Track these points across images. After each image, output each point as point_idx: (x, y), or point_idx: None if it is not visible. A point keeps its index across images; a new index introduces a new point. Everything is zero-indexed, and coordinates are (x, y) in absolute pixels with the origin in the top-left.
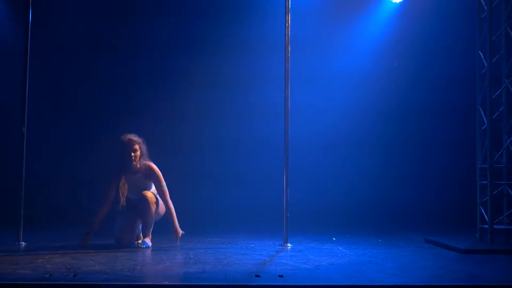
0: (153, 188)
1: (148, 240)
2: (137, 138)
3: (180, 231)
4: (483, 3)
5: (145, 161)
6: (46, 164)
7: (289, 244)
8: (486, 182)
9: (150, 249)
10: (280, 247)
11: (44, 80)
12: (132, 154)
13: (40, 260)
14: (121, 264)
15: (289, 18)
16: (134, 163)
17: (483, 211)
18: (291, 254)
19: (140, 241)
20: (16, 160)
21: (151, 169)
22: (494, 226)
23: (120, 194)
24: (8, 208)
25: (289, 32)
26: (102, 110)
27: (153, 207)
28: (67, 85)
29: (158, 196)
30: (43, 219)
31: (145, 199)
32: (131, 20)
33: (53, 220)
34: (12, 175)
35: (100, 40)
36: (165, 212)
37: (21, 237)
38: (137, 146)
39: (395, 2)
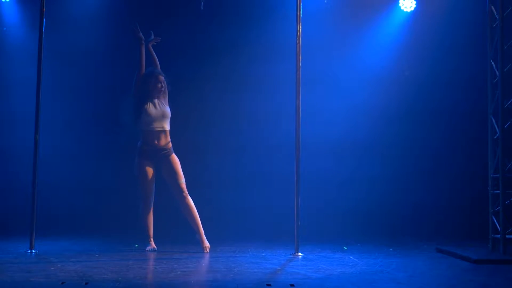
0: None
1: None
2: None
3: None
4: (495, 13)
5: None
6: (58, 172)
7: (300, 253)
8: (498, 191)
9: (161, 257)
10: (291, 256)
11: (56, 87)
12: (159, 85)
13: (52, 268)
14: (132, 273)
15: (301, 27)
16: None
17: (495, 220)
18: (302, 263)
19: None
20: (28, 169)
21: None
22: (507, 236)
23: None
24: (21, 216)
25: (301, 42)
26: (114, 117)
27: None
28: (79, 92)
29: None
30: (55, 227)
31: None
32: (142, 26)
33: (65, 228)
34: (25, 183)
35: (110, 47)
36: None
37: (34, 245)
38: (162, 78)
39: (407, 11)
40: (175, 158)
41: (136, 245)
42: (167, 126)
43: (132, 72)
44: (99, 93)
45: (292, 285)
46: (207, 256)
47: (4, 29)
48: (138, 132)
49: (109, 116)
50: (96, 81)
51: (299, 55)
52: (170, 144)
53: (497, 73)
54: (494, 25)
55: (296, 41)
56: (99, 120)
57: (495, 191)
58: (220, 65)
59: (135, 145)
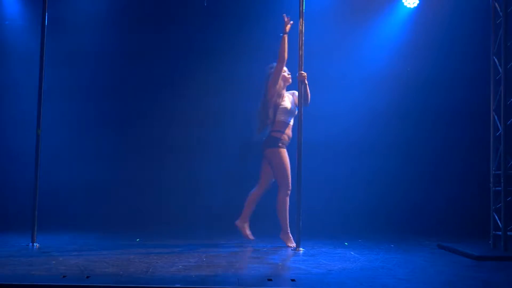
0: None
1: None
2: None
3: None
4: (498, 9)
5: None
6: (61, 166)
7: (301, 249)
8: (500, 188)
9: (163, 252)
10: (293, 251)
11: (58, 86)
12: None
13: (54, 262)
14: (133, 267)
15: (303, 22)
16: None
17: (496, 217)
18: (303, 259)
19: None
20: (30, 163)
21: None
22: (508, 233)
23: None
24: (22, 210)
25: (303, 37)
26: (115, 116)
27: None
28: (82, 91)
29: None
30: (57, 221)
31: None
32: (144, 27)
33: (67, 222)
34: (27, 178)
35: (114, 47)
36: None
37: (35, 239)
38: None
39: (410, 7)
40: None
41: (138, 239)
42: None
43: (132, 72)
44: (100, 92)
45: (293, 280)
46: (208, 251)
47: (6, 22)
48: (275, 124)
49: (110, 114)
50: (98, 80)
51: (301, 50)
52: None
53: (500, 69)
54: (497, 22)
55: (299, 36)
56: (100, 116)
57: (497, 188)
58: (220, 63)
59: (135, 142)
